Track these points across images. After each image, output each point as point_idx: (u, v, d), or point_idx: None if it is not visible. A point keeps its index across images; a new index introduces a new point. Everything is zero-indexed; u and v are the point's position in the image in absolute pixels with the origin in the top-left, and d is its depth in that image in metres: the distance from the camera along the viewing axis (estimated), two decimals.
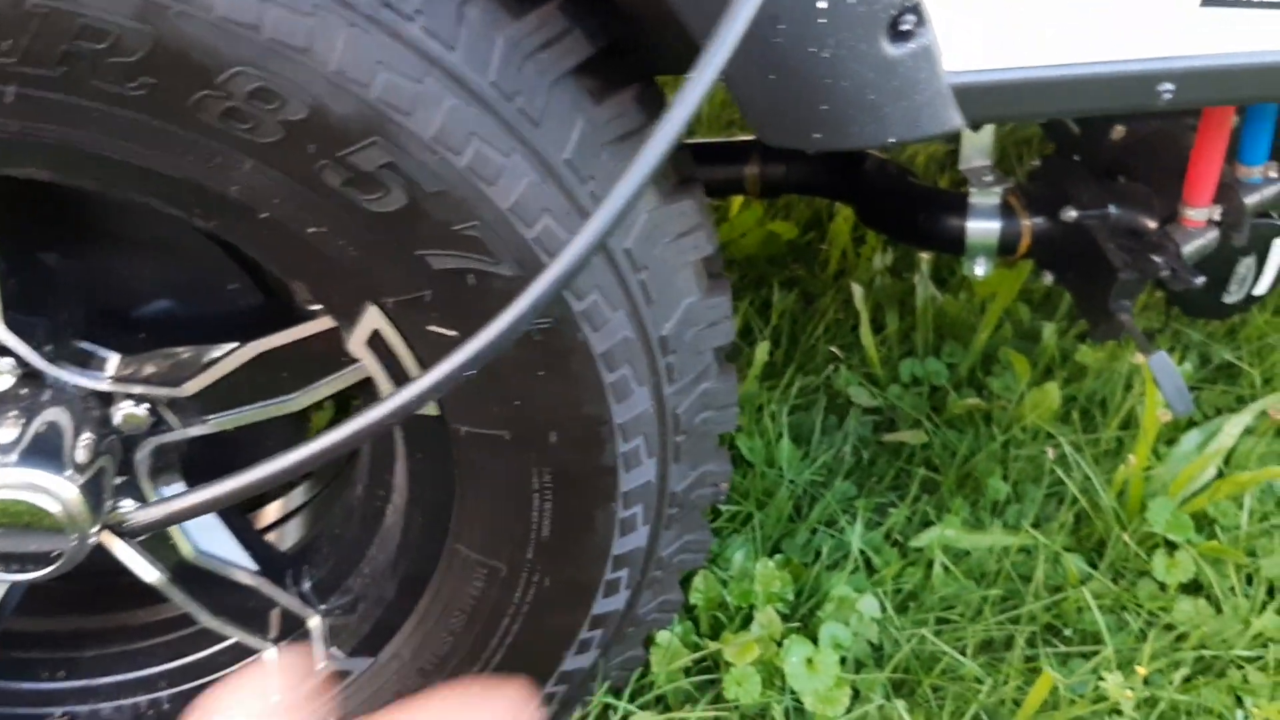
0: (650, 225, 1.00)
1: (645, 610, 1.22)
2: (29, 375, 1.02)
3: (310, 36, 0.83)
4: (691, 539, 1.21)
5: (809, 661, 1.39)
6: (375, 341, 0.98)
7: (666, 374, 1.06)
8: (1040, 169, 1.51)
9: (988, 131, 1.45)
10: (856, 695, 1.41)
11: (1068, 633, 1.50)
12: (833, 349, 1.86)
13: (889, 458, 1.72)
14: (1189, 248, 1.27)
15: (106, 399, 1.06)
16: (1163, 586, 1.54)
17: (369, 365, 0.99)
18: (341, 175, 0.87)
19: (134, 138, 0.85)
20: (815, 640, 1.43)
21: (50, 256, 1.06)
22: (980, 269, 1.46)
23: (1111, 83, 0.96)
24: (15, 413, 1.00)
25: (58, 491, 0.99)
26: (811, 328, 1.89)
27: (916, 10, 0.86)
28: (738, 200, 2.04)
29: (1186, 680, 1.44)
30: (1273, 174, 1.28)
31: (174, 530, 1.14)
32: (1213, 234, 1.29)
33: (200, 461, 1.16)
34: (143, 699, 1.25)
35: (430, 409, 1.03)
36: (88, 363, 1.05)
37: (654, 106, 0.97)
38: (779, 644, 1.41)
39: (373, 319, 0.96)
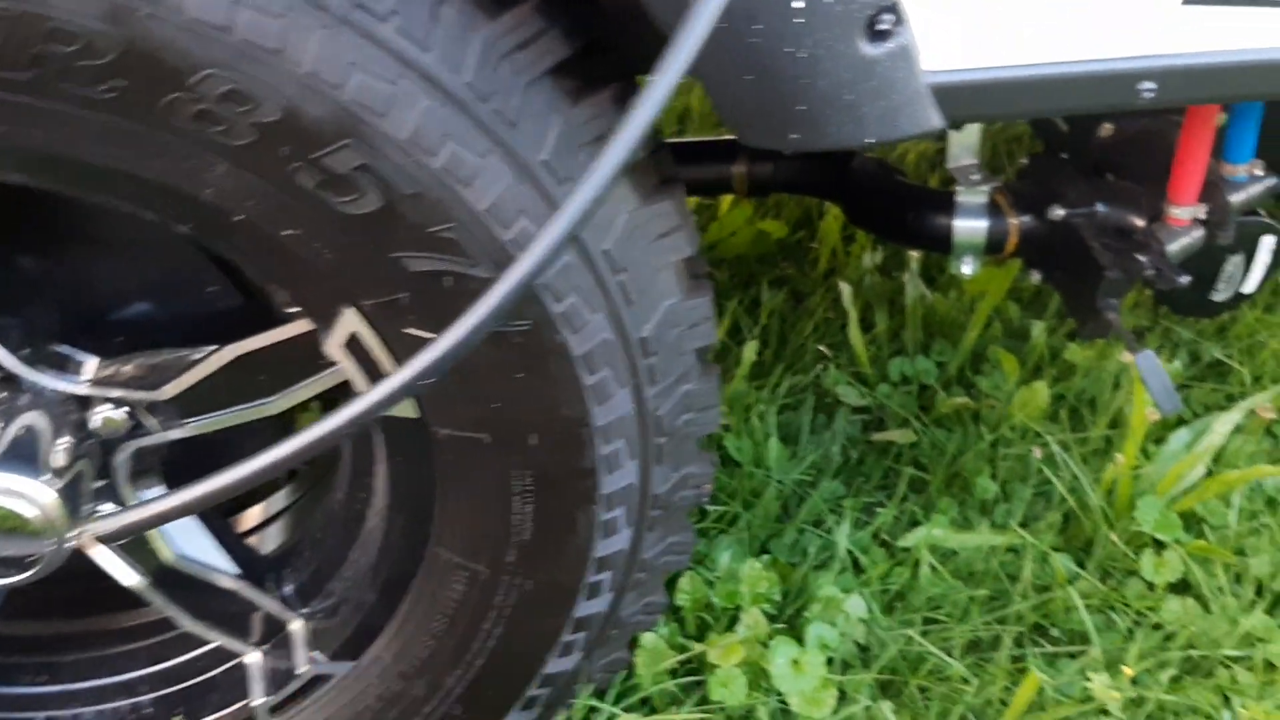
0: (630, 226, 0.99)
1: (629, 613, 1.22)
2: (5, 379, 1.02)
3: (282, 38, 0.82)
4: (675, 541, 1.20)
5: (795, 662, 1.38)
6: (353, 344, 0.97)
7: (648, 376, 1.05)
8: (1028, 167, 1.51)
9: (974, 130, 1.45)
10: (843, 696, 1.40)
11: (1055, 633, 1.50)
12: (821, 348, 1.85)
13: (877, 457, 1.72)
14: (1174, 246, 1.27)
15: (84, 402, 1.06)
16: (1151, 586, 1.53)
17: (346, 368, 0.99)
18: (315, 177, 0.87)
19: (106, 141, 0.85)
20: (802, 641, 1.42)
21: (26, 259, 1.06)
22: (968, 268, 1.45)
23: (1091, 82, 0.95)
24: None
25: (35, 496, 0.98)
26: (801, 327, 1.89)
27: (894, 9, 0.85)
28: (728, 199, 2.03)
29: (1174, 680, 1.43)
30: (1258, 172, 1.27)
31: (153, 534, 1.14)
32: (1198, 233, 1.29)
33: (185, 465, 1.16)
34: (124, 703, 1.25)
35: (410, 411, 1.03)
36: (65, 366, 1.05)
37: None
38: (765, 645, 1.41)
39: (350, 322, 0.96)
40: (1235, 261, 1.49)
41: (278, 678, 1.20)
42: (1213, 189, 1.27)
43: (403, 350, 0.96)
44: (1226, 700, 1.42)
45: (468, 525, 1.08)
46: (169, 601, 1.17)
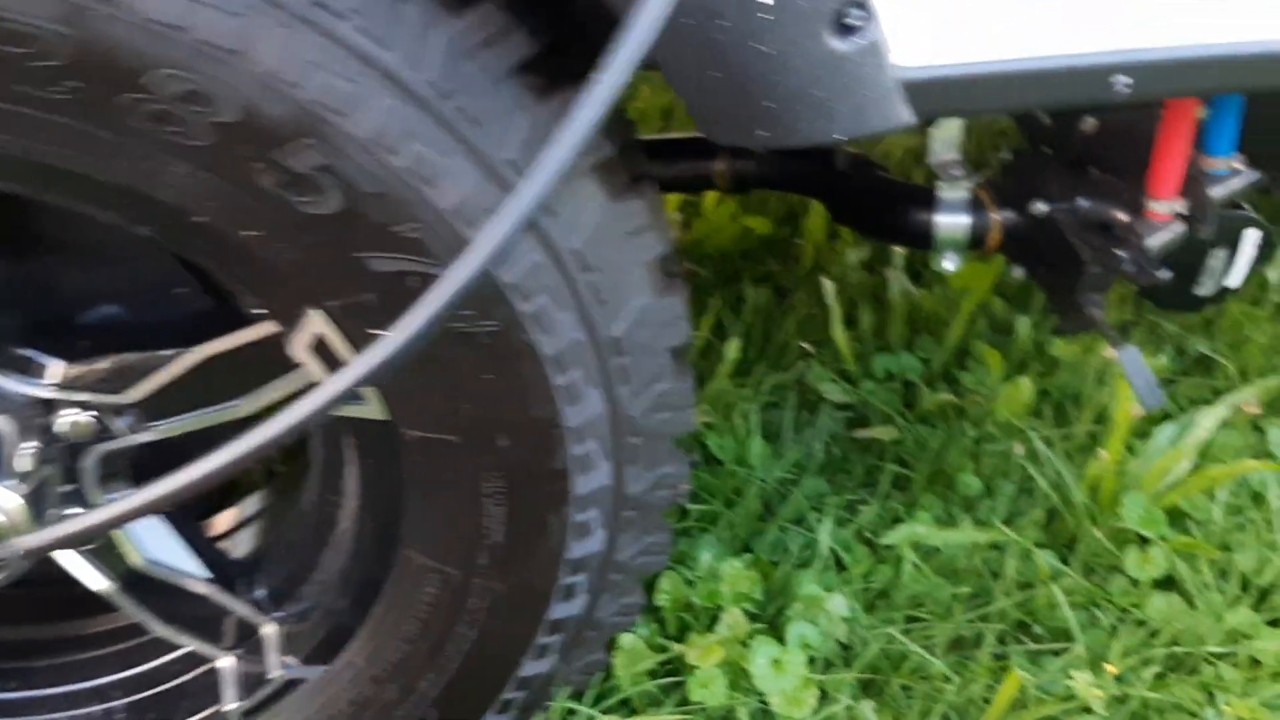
0: (599, 224, 0.98)
1: (605, 614, 1.21)
2: None
3: (240, 38, 0.81)
4: (651, 542, 1.19)
5: (776, 662, 1.37)
6: (319, 346, 0.96)
7: (620, 375, 1.04)
8: (1011, 162, 1.49)
9: (956, 125, 1.43)
10: (824, 695, 1.39)
11: (1038, 630, 1.49)
12: (805, 345, 1.84)
13: (860, 454, 1.70)
14: (1153, 241, 1.25)
15: (50, 406, 1.05)
16: (1135, 582, 1.52)
17: (312, 370, 0.98)
18: (276, 178, 0.86)
19: (62, 142, 0.84)
20: (783, 640, 1.41)
21: None
22: (950, 264, 1.44)
23: (1065, 77, 0.94)
24: None
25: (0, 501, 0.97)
26: (784, 323, 1.88)
27: (863, 4, 0.84)
28: (712, 195, 2.02)
29: (1158, 677, 1.42)
30: (1238, 166, 1.26)
31: (120, 538, 1.12)
32: (1178, 227, 1.27)
33: (156, 468, 1.15)
34: (96, 709, 1.24)
35: (379, 413, 1.01)
36: (29, 369, 1.04)
37: None
38: (745, 645, 1.40)
39: (315, 323, 0.95)
40: (1219, 256, 1.48)
41: (250, 682, 1.19)
42: (1193, 183, 1.25)
43: None
44: (1211, 697, 1.41)
45: (439, 528, 1.07)
46: (139, 606, 1.16)
